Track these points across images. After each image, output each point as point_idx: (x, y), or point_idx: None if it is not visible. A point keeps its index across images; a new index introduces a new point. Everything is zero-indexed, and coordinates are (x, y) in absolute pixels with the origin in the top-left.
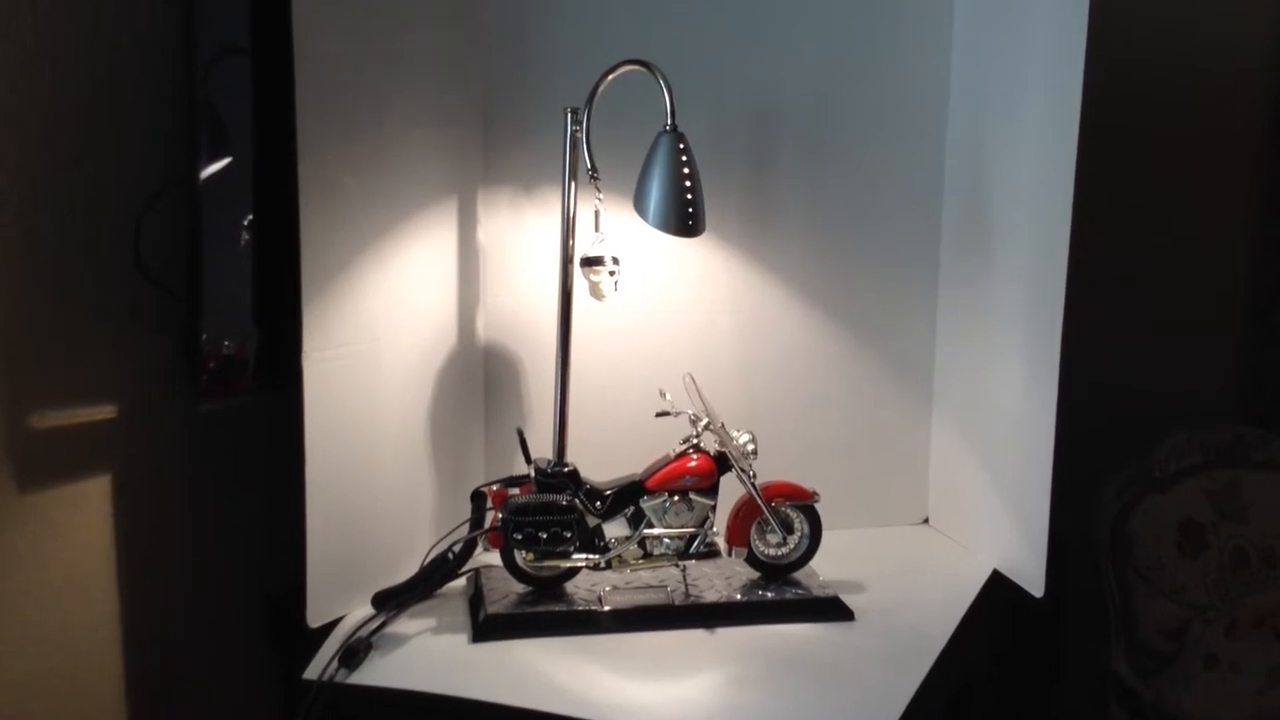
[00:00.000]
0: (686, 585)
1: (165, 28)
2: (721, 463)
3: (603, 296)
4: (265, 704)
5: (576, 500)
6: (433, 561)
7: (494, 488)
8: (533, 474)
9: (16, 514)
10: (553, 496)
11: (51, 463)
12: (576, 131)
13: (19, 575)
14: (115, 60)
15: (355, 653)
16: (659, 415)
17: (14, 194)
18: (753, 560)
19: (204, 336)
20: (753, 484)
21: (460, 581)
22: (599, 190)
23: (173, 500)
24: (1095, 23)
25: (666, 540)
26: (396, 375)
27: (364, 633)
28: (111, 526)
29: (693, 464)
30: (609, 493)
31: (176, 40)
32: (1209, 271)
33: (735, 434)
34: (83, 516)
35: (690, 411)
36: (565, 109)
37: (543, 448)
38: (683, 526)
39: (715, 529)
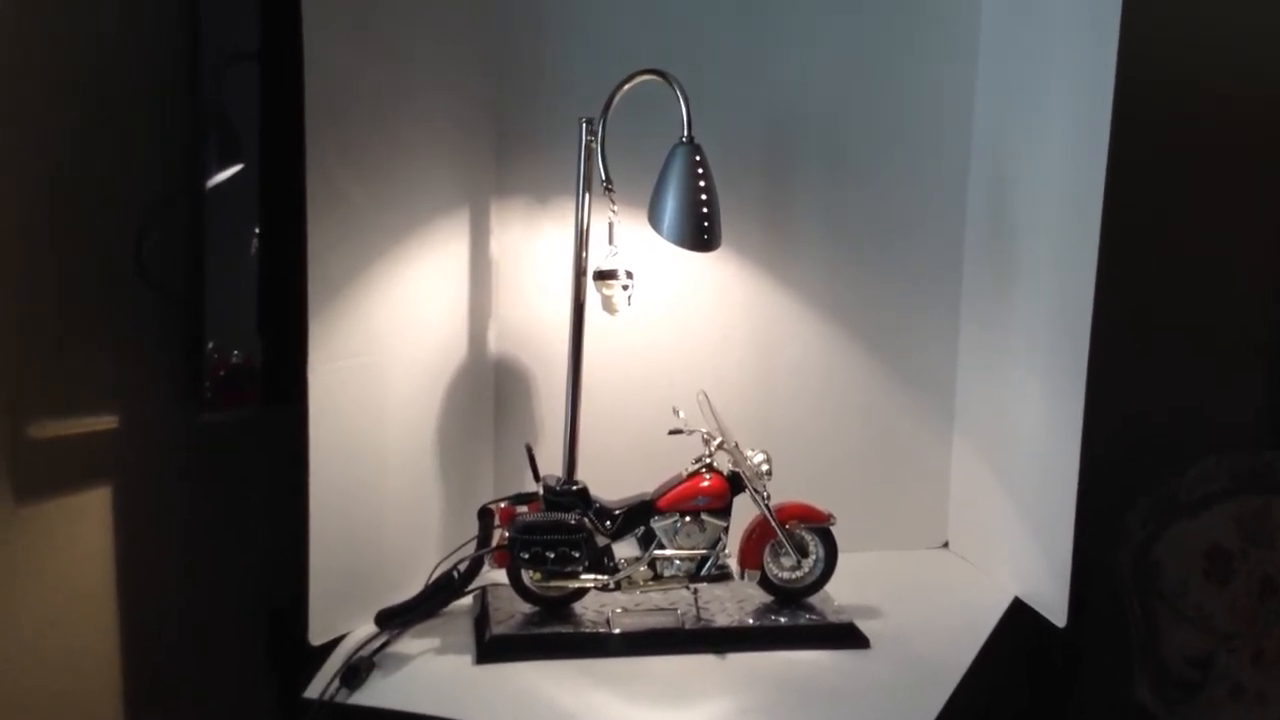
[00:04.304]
0: (697, 608)
1: (172, 32)
2: (735, 483)
3: (615, 311)
4: None
5: (585, 519)
6: (438, 579)
7: (502, 505)
8: (541, 492)
9: (14, 525)
10: (561, 515)
11: (50, 473)
12: (591, 142)
13: (16, 588)
14: (121, 66)
15: (357, 672)
16: (671, 433)
17: (16, 201)
18: (766, 584)
19: (209, 346)
20: (766, 505)
21: (466, 600)
22: (613, 202)
23: (173, 513)
24: (1125, 42)
25: (677, 562)
26: (404, 388)
27: (366, 651)
28: (111, 539)
29: (705, 484)
30: (619, 512)
31: (184, 45)
32: (1238, 298)
33: (749, 453)
34: (81, 529)
35: (703, 430)
36: (580, 119)
37: (552, 465)
38: (694, 548)
39: (727, 551)
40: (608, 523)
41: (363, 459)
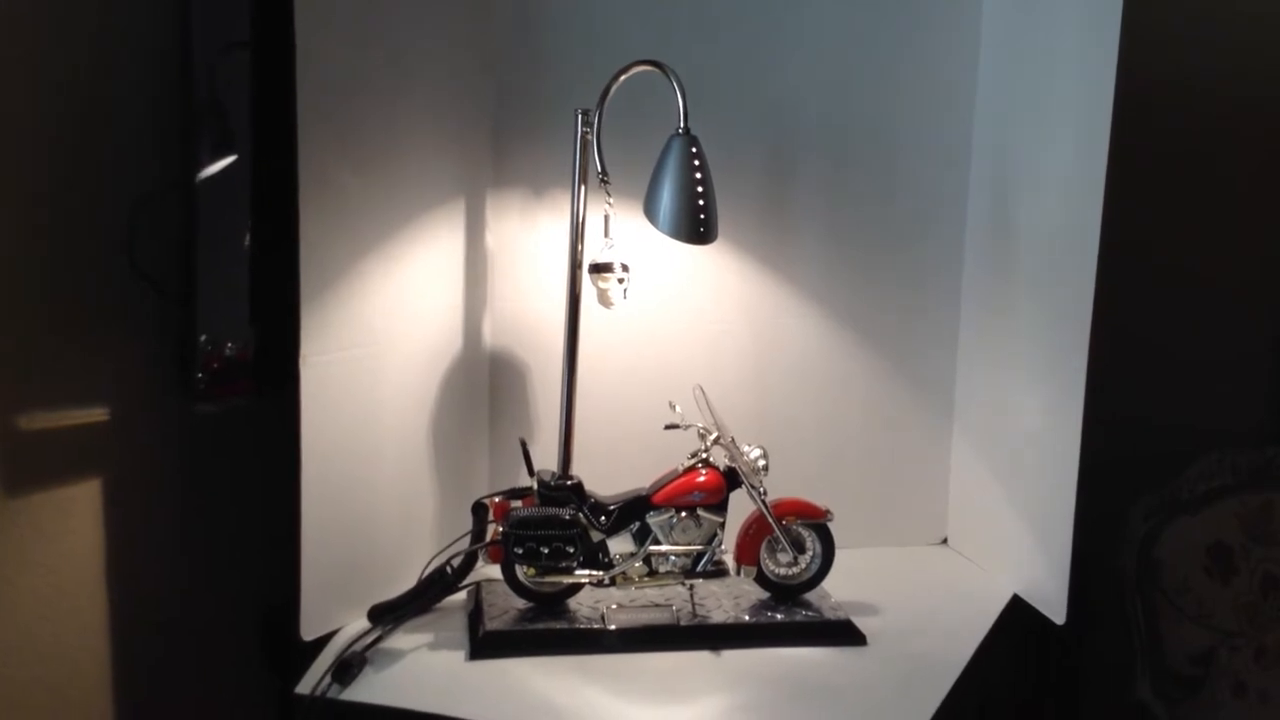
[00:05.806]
0: (693, 605)
1: (164, 24)
2: (731, 478)
3: (611, 304)
4: (257, 719)
5: (580, 514)
6: (431, 574)
7: (496, 499)
8: (535, 486)
9: (4, 518)
10: (555, 510)
11: (40, 466)
12: (587, 134)
13: (6, 581)
14: (112, 57)
15: (349, 667)
16: (668, 428)
17: (8, 193)
18: (762, 580)
19: (201, 339)
20: (763, 501)
21: (460, 596)
22: (609, 194)
23: (164, 506)
24: (1126, 42)
25: (673, 558)
26: (398, 381)
27: (359, 647)
28: (101, 532)
29: (701, 479)
30: (614, 507)
31: (175, 36)
32: (1239, 295)
33: (746, 448)
34: (72, 522)
35: (700, 425)
36: (576, 110)
37: (547, 459)
38: (690, 544)
39: (724, 547)
40: (602, 518)
41: (356, 452)
